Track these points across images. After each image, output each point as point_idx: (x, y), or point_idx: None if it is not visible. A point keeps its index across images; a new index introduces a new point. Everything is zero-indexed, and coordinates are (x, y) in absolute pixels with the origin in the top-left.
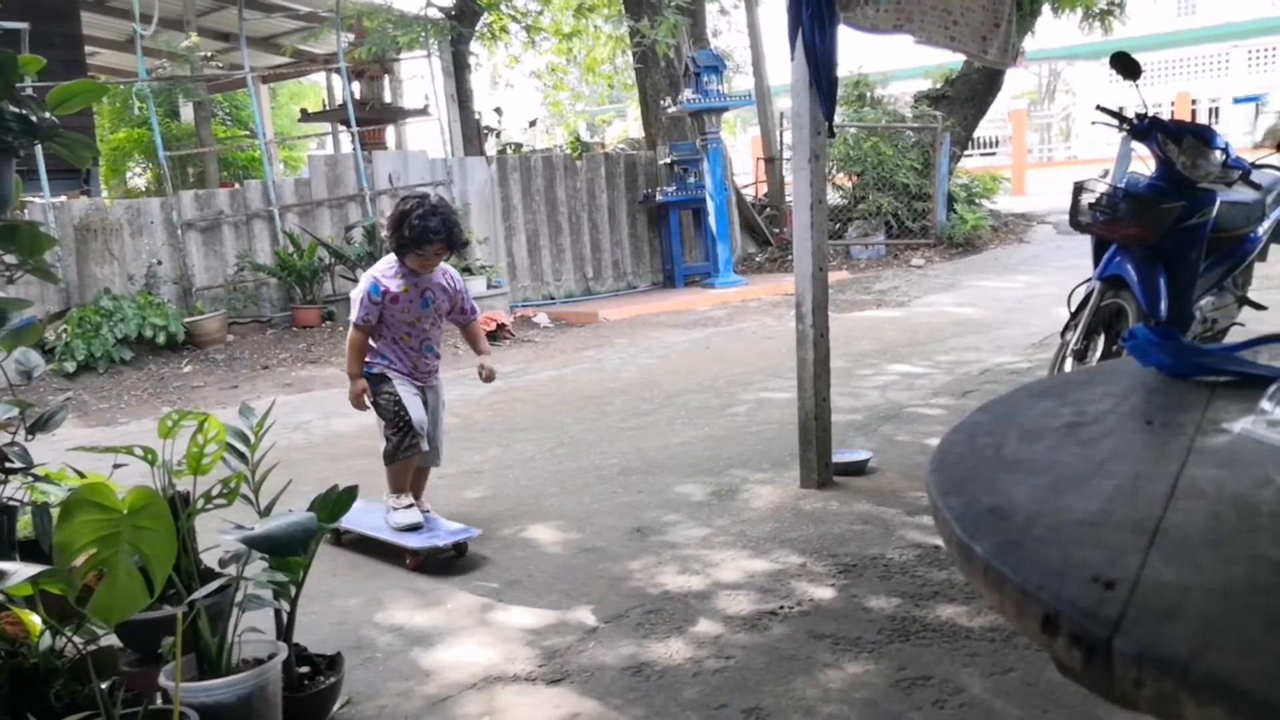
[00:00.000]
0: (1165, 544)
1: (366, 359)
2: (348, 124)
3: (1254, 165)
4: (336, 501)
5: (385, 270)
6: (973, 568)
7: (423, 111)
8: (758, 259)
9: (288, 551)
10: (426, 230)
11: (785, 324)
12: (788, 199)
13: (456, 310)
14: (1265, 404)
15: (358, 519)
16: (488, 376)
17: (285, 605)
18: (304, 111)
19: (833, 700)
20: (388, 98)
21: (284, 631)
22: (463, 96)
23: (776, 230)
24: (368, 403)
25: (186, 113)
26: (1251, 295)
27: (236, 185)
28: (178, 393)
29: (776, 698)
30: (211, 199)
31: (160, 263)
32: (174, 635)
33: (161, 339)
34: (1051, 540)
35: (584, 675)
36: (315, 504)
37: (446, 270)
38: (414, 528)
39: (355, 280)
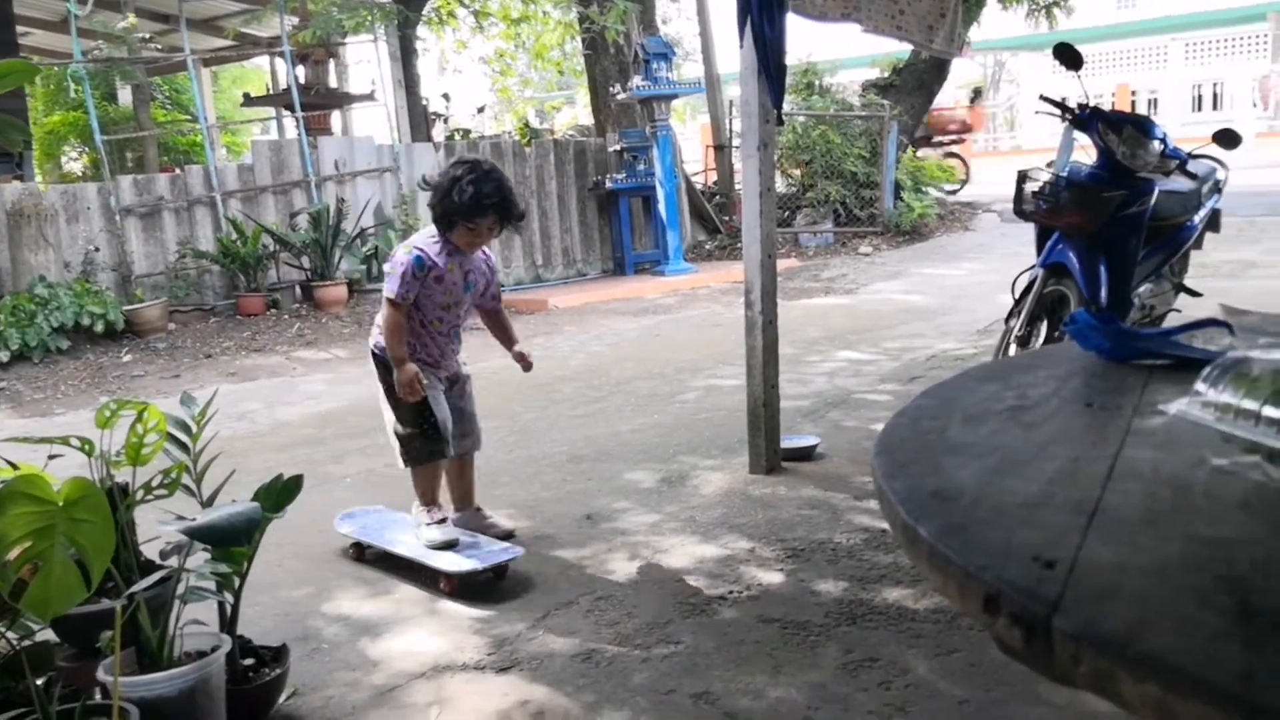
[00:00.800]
0: (1103, 524)
1: (387, 344)
2: (292, 109)
3: (1190, 155)
4: (281, 491)
5: (429, 242)
6: (917, 550)
7: (369, 97)
8: (707, 246)
9: (231, 542)
10: (481, 198)
11: (734, 311)
12: (737, 187)
13: (489, 295)
14: (1199, 386)
15: (381, 532)
16: (528, 365)
17: (229, 597)
18: (247, 96)
19: (781, 684)
20: (333, 82)
21: (227, 623)
22: (410, 82)
23: (726, 218)
24: (421, 390)
25: (124, 96)
26: (1187, 282)
27: (177, 170)
28: (117, 382)
29: (725, 682)
30: (151, 184)
31: (98, 249)
32: (112, 629)
33: (100, 327)
34: (994, 522)
35: (533, 663)
36: (259, 494)
37: (486, 251)
38: (448, 546)
39: (301, 268)
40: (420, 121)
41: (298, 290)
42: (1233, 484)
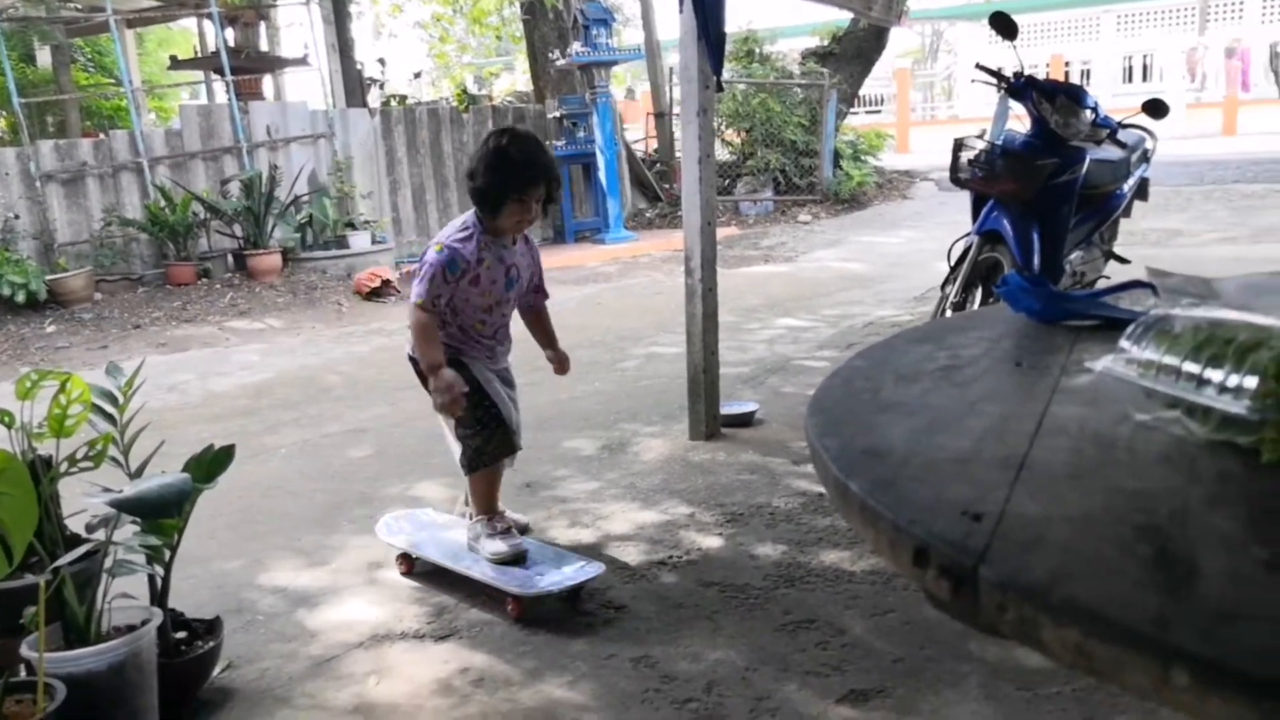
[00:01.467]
0: (1030, 478)
1: (418, 351)
2: (221, 73)
3: (1120, 125)
4: (212, 461)
5: (460, 238)
6: (849, 506)
7: (302, 61)
8: (648, 214)
9: (160, 514)
10: (532, 162)
11: (675, 279)
12: (678, 154)
13: (531, 288)
14: (1124, 343)
15: (430, 543)
16: (565, 369)
17: (159, 570)
18: (174, 59)
19: (719, 646)
20: (264, 46)
21: (158, 597)
22: (344, 46)
23: (667, 186)
24: (462, 402)
25: (43, 57)
26: (1117, 250)
27: (101, 135)
28: (40, 354)
29: (665, 645)
30: (74, 149)
31: (17, 217)
32: (36, 605)
33: (21, 298)
34: (924, 478)
35: (473, 630)
36: (189, 464)
37: (527, 237)
38: (516, 560)
39: (233, 236)
40: (355, 87)
41: (230, 259)
42: (1154, 438)
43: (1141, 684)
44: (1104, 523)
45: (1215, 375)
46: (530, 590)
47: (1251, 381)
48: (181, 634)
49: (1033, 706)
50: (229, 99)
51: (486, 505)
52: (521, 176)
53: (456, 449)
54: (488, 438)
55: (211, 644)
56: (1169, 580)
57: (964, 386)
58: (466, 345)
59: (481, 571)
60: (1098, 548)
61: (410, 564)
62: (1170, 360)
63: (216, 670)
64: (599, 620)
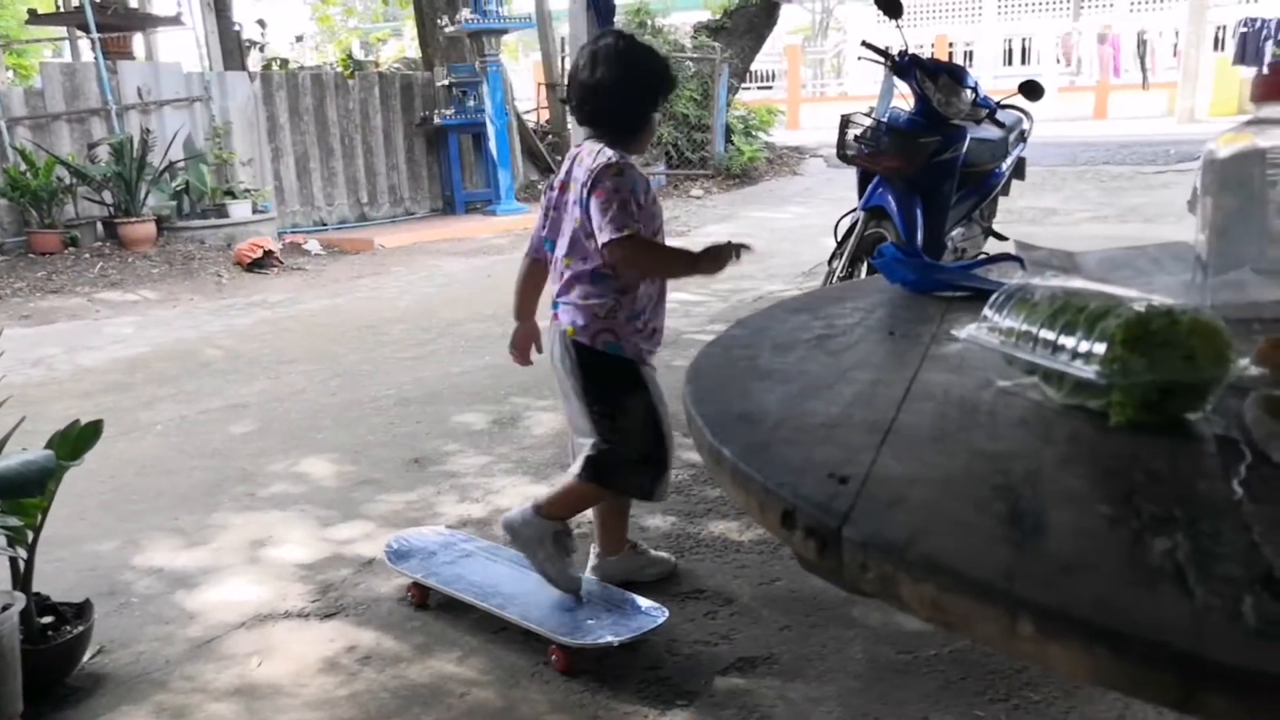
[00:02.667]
0: (896, 442)
1: (609, 329)
2: (86, 29)
3: (999, 105)
4: (78, 438)
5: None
6: (721, 470)
7: (175, 20)
8: (540, 186)
9: (21, 493)
10: (666, 61)
11: None
12: (570, 125)
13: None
14: (987, 311)
15: (454, 572)
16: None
17: (21, 552)
18: (33, 13)
19: None
20: (133, 2)
21: (21, 580)
22: (220, 5)
23: (559, 157)
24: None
25: None
26: (995, 227)
27: None
28: None
29: None
30: None
31: None
32: None
33: None
34: (794, 442)
35: (360, 608)
36: (53, 441)
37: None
38: (570, 589)
39: (102, 203)
40: (233, 49)
41: (100, 227)
42: (1013, 403)
43: (991, 634)
44: (963, 483)
45: (1068, 342)
46: (580, 640)
47: (1100, 348)
48: (48, 619)
49: (912, 669)
50: (96, 58)
51: (572, 511)
52: (667, 78)
53: (594, 455)
54: (639, 470)
55: (81, 628)
56: (1019, 535)
57: (838, 355)
58: (654, 313)
59: (520, 614)
60: (956, 506)
61: (424, 595)
62: (1028, 328)
63: (87, 656)
64: None
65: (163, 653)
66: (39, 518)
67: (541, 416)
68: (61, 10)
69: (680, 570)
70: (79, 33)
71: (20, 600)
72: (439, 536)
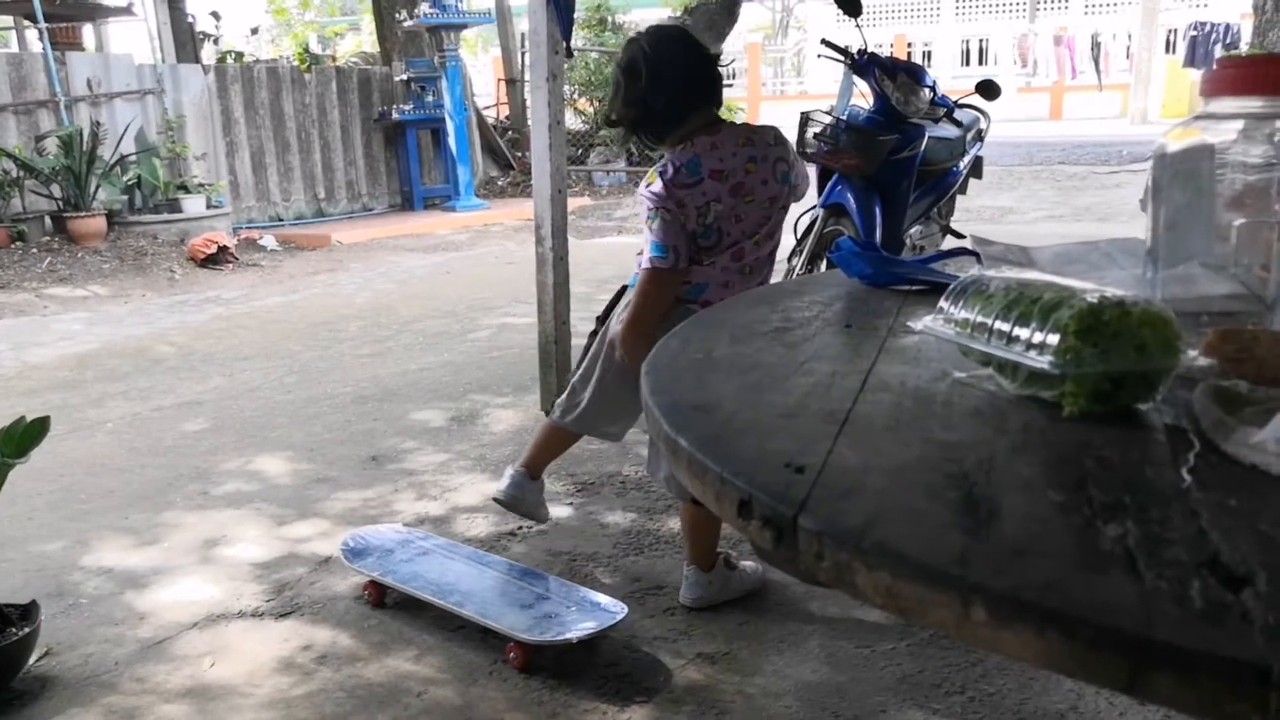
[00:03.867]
0: (852, 432)
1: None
2: (33, 19)
3: (957, 104)
4: (24, 435)
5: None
6: (678, 459)
7: (126, 10)
8: (500, 183)
9: None
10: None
11: (527, 249)
12: (529, 122)
13: None
14: (943, 303)
15: (412, 570)
16: None
17: None
18: None
19: None
20: None
21: None
22: None
23: (519, 154)
24: None
25: None
26: (953, 225)
27: None
28: None
29: None
30: None
31: None
32: None
33: None
34: (750, 432)
35: (316, 607)
36: None
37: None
38: (509, 504)
39: (51, 197)
40: (187, 40)
41: (48, 222)
42: (968, 393)
43: (945, 620)
44: (917, 471)
45: (1022, 333)
46: (537, 638)
47: (1054, 338)
48: None
49: (870, 662)
50: (43, 48)
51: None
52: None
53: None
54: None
55: (26, 630)
56: (972, 523)
57: (795, 347)
58: None
59: (478, 611)
60: (910, 495)
61: (381, 593)
62: (983, 319)
63: (33, 658)
64: None
65: (112, 654)
66: None
67: (501, 414)
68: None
69: (640, 566)
70: (26, 23)
71: None
72: (396, 534)
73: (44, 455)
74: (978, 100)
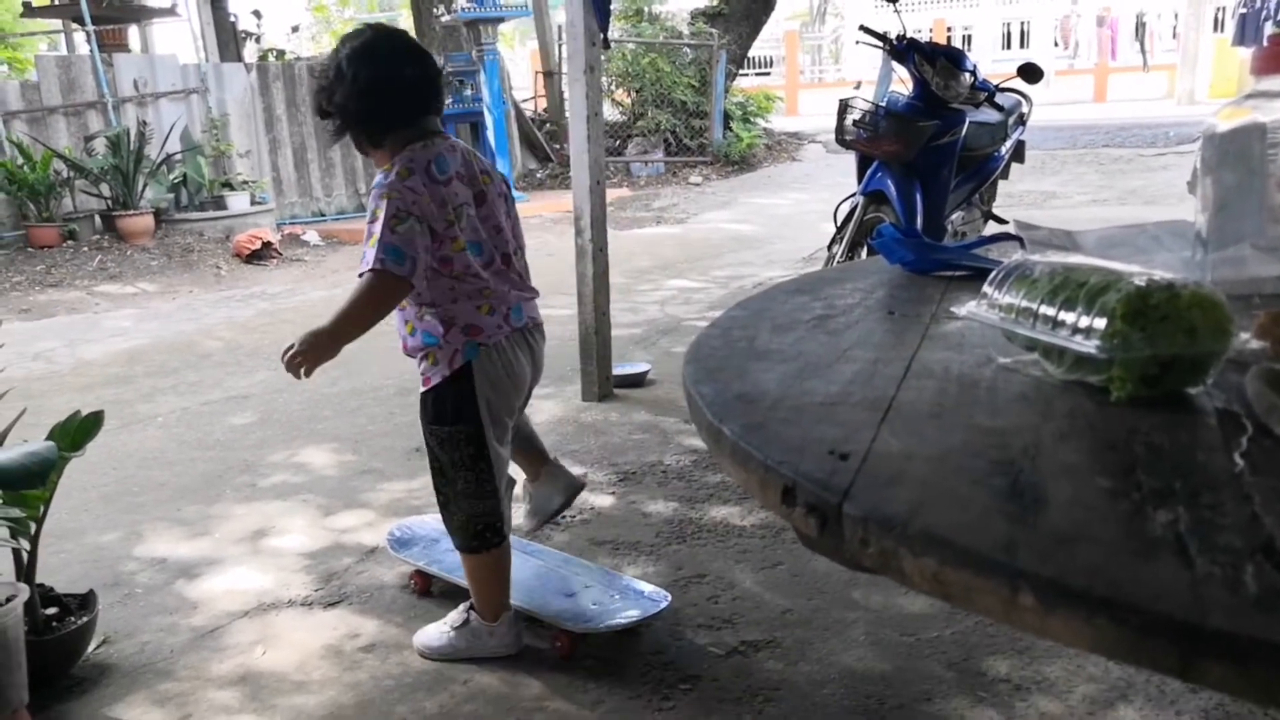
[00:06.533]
0: (895, 419)
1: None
2: (81, 22)
3: (998, 88)
4: (79, 429)
5: None
6: (721, 448)
7: (170, 11)
8: (538, 175)
9: (24, 485)
10: None
11: (565, 241)
12: (567, 114)
13: None
14: (987, 288)
15: (452, 560)
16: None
17: (24, 544)
18: (27, 5)
19: None
20: None
21: (24, 572)
22: None
23: (557, 146)
24: None
25: None
26: (995, 210)
27: None
28: None
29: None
30: None
31: None
32: None
33: None
34: (794, 420)
35: (363, 596)
36: (54, 432)
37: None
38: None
39: (100, 196)
40: (229, 40)
41: (98, 220)
42: (1013, 379)
43: (992, 606)
44: (962, 458)
45: (1068, 317)
46: (583, 626)
47: (1101, 322)
48: (52, 610)
49: (915, 650)
50: (91, 50)
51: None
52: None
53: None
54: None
55: (84, 619)
56: (1019, 509)
57: (837, 334)
58: None
59: (523, 601)
60: (954, 481)
61: (427, 582)
62: (1028, 304)
63: (91, 646)
64: None
65: (167, 642)
66: (41, 509)
67: (542, 404)
68: (56, 3)
69: (683, 554)
70: (74, 25)
71: (24, 592)
72: (441, 524)
73: (98, 449)
74: (1019, 84)
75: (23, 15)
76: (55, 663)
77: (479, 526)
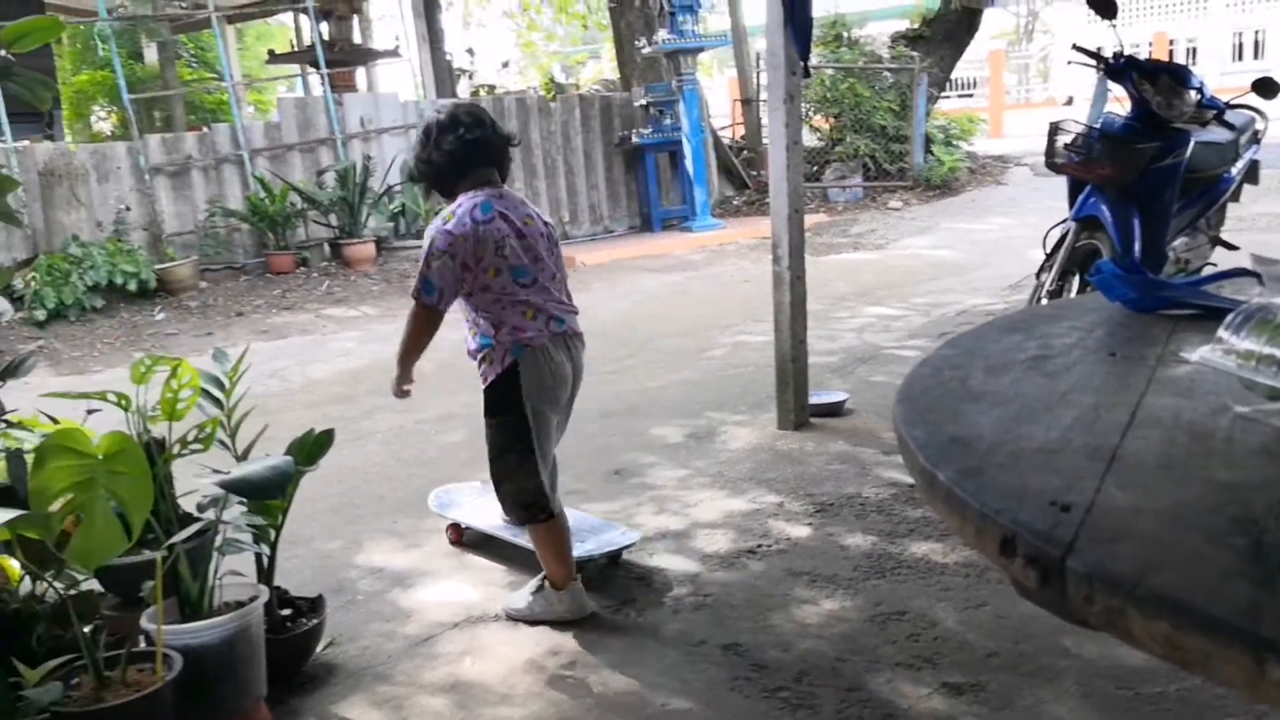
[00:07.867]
0: (1120, 469)
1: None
2: (317, 66)
3: (1228, 105)
4: (313, 445)
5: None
6: (935, 494)
7: (393, 53)
8: (735, 202)
9: (265, 495)
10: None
11: (762, 267)
12: (765, 141)
13: None
14: (1222, 333)
15: (481, 513)
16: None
17: (265, 549)
18: (271, 53)
19: (809, 635)
20: (357, 38)
21: (264, 575)
22: (434, 37)
23: (754, 173)
24: None
25: (150, 54)
26: (1224, 235)
27: (204, 129)
28: (151, 340)
29: (754, 634)
30: (179, 143)
31: (129, 209)
32: (154, 579)
33: (133, 286)
34: (1011, 467)
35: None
36: (292, 448)
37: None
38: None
39: (329, 225)
40: (445, 77)
41: (326, 248)
42: (1253, 430)
43: (1234, 677)
44: (1197, 514)
45: None
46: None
47: None
48: (287, 611)
49: (1133, 707)
50: (324, 92)
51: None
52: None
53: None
54: None
55: (315, 621)
56: (1262, 573)
57: (1054, 376)
58: None
59: (529, 542)
60: (1187, 539)
61: (459, 533)
62: (1271, 350)
63: (320, 647)
64: (688, 607)
65: (385, 648)
66: (280, 518)
67: (738, 431)
68: (296, 50)
69: (882, 590)
70: (310, 69)
71: (265, 593)
72: (469, 489)
73: (325, 463)
74: (1254, 99)
75: (268, 62)
76: (289, 660)
77: (526, 500)
